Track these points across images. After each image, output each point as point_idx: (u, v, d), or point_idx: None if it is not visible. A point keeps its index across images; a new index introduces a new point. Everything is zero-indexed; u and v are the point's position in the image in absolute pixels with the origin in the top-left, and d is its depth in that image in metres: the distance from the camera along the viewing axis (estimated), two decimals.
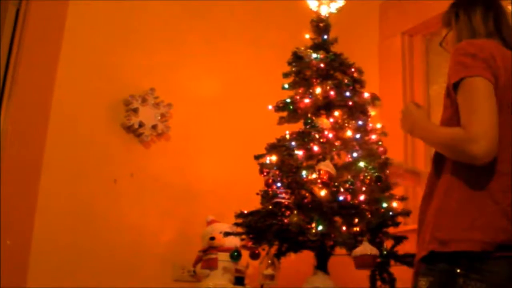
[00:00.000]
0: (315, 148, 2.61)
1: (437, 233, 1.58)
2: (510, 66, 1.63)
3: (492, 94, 1.55)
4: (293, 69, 2.85)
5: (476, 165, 1.54)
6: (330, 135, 2.65)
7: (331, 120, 2.71)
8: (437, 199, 1.64)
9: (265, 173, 2.63)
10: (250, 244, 2.58)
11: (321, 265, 2.62)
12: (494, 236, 1.53)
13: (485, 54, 1.59)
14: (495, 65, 1.59)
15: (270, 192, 2.55)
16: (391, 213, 2.48)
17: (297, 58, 2.84)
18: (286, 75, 2.86)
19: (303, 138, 2.65)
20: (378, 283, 2.48)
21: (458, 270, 1.54)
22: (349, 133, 2.68)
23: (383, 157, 2.61)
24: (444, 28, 1.86)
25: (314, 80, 2.80)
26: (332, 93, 2.71)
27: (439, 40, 1.90)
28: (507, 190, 1.57)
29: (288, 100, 2.82)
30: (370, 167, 2.55)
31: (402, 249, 2.51)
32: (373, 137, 2.72)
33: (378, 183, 2.51)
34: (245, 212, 2.59)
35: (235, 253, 2.60)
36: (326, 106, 2.76)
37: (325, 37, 2.88)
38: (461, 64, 1.59)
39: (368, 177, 2.52)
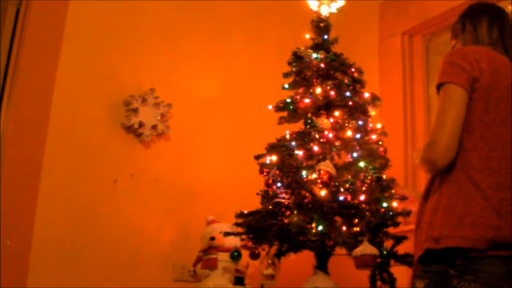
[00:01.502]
0: (315, 148, 2.61)
1: (431, 231, 1.61)
2: (502, 70, 1.70)
3: (460, 100, 1.65)
4: (293, 69, 2.85)
5: (438, 170, 1.65)
6: (330, 135, 2.65)
7: (331, 120, 2.71)
8: (431, 199, 1.67)
9: (265, 173, 2.63)
10: (250, 244, 2.58)
11: (321, 265, 2.62)
12: (484, 233, 1.55)
13: (465, 60, 1.68)
14: (475, 68, 1.67)
15: (270, 192, 2.55)
16: (391, 213, 2.48)
17: (297, 58, 2.83)
18: (286, 75, 2.86)
19: (303, 138, 2.65)
20: (378, 283, 2.48)
21: (452, 271, 1.55)
22: (349, 133, 2.68)
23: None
24: (453, 39, 1.91)
25: (314, 80, 2.80)
26: (332, 93, 2.71)
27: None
28: (498, 187, 1.59)
29: (288, 100, 2.81)
30: (370, 167, 2.55)
31: (402, 249, 2.51)
32: (373, 137, 2.72)
33: (378, 183, 2.51)
34: (245, 212, 2.59)
35: (235, 253, 2.60)
36: (326, 106, 2.76)
37: (325, 37, 2.88)
38: (442, 71, 1.71)
39: (368, 177, 2.53)
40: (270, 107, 2.84)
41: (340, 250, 2.53)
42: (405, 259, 2.46)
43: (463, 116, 1.64)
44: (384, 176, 2.57)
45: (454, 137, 1.62)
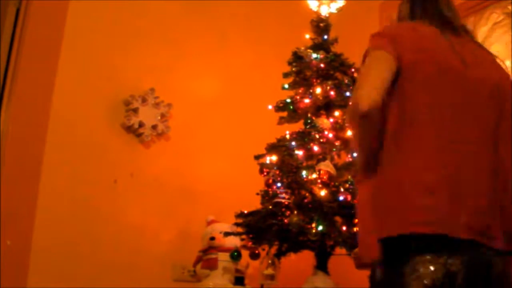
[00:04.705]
0: (315, 148, 2.61)
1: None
2: (429, 44, 1.65)
3: (387, 62, 1.58)
4: (293, 69, 2.85)
5: (359, 115, 1.54)
6: (330, 135, 2.65)
7: (331, 120, 2.71)
8: None
9: (265, 173, 2.63)
10: (250, 244, 2.58)
11: (321, 265, 2.62)
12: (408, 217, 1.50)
13: (388, 35, 1.65)
14: (398, 45, 1.61)
15: (270, 192, 2.55)
16: None
17: (297, 58, 2.84)
18: (286, 75, 2.86)
19: (303, 138, 2.66)
20: None
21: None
22: (349, 133, 2.68)
23: None
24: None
25: (314, 80, 2.80)
26: (332, 93, 2.72)
27: None
28: (430, 166, 1.52)
29: (288, 100, 2.82)
30: None
31: None
32: None
33: None
34: (245, 212, 2.59)
35: (235, 253, 2.60)
36: (326, 106, 2.76)
37: (325, 37, 2.88)
38: (370, 43, 1.66)
39: None
40: (270, 107, 2.85)
41: (340, 250, 2.53)
42: None
43: (390, 75, 1.57)
44: None
45: (377, 92, 1.53)
